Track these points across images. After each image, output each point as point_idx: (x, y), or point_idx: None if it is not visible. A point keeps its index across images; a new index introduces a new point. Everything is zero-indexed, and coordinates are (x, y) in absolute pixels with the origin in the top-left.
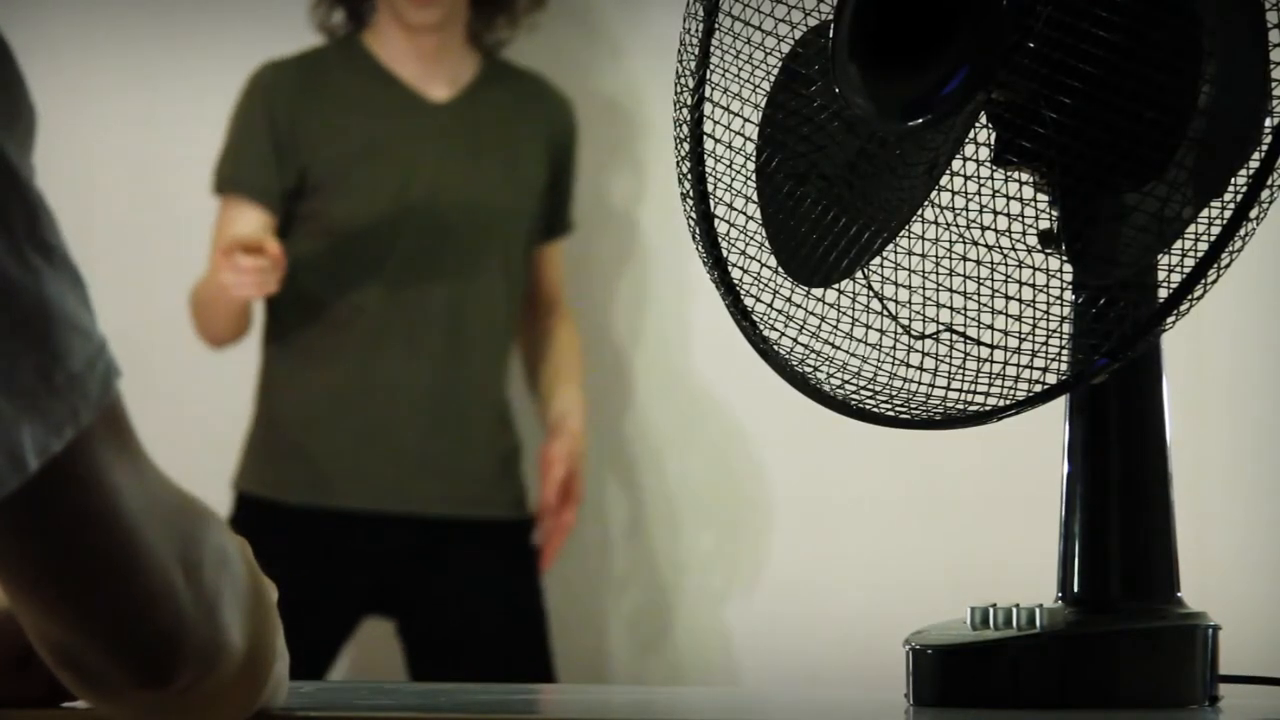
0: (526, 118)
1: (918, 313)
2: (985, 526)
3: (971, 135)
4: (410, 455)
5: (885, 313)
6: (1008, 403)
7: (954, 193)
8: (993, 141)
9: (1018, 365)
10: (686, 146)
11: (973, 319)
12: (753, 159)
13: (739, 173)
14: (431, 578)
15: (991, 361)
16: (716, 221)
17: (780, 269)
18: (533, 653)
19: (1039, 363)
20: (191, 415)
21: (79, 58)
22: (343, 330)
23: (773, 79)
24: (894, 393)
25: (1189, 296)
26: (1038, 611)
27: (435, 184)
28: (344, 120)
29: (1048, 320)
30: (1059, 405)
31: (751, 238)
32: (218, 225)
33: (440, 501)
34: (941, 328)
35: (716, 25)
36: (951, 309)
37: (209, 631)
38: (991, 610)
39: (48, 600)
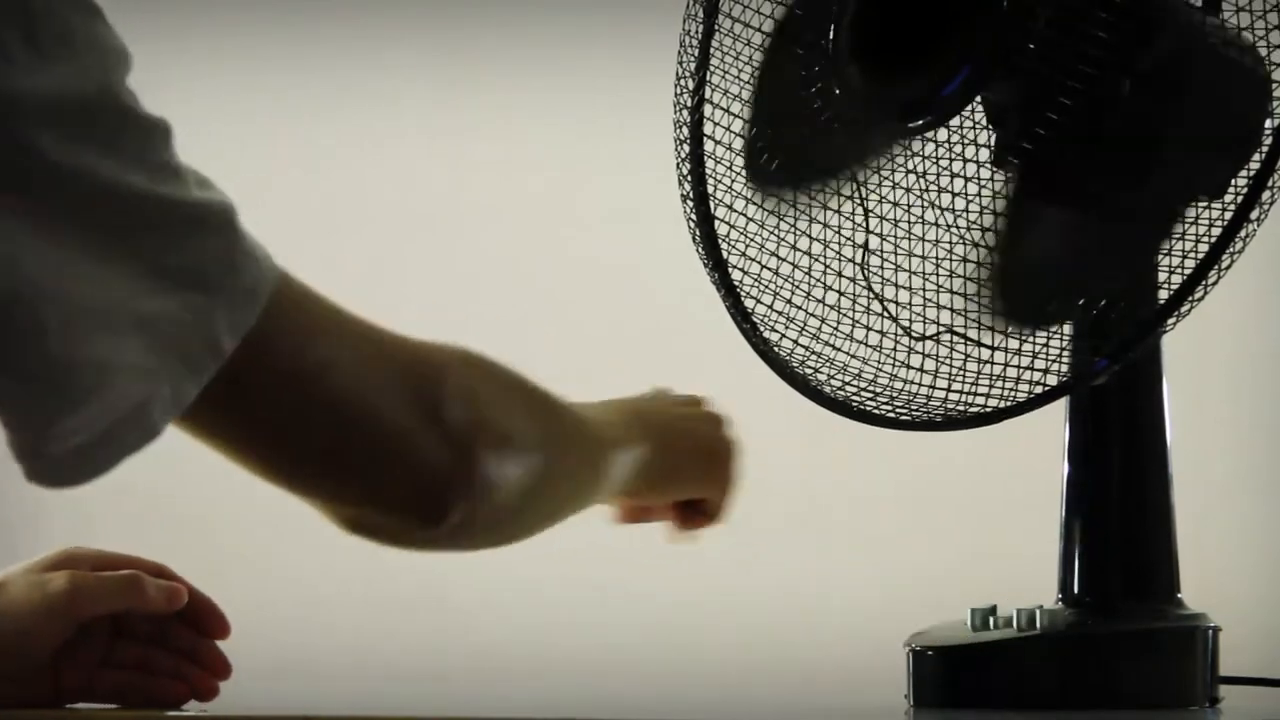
0: None
1: (918, 314)
2: (985, 526)
3: (972, 136)
4: None
5: (885, 314)
6: (1008, 404)
7: (954, 193)
8: (993, 142)
9: (1018, 367)
10: (687, 148)
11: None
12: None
13: (739, 173)
14: None
15: (992, 363)
16: (716, 223)
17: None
18: None
19: (1039, 364)
20: None
21: None
22: None
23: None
24: (894, 394)
25: (1189, 298)
26: (1038, 612)
27: None
28: None
29: None
30: (1059, 406)
31: (751, 239)
32: None
33: None
34: (942, 329)
35: (716, 26)
36: (952, 310)
37: (466, 466)
38: (991, 611)
39: (288, 462)
